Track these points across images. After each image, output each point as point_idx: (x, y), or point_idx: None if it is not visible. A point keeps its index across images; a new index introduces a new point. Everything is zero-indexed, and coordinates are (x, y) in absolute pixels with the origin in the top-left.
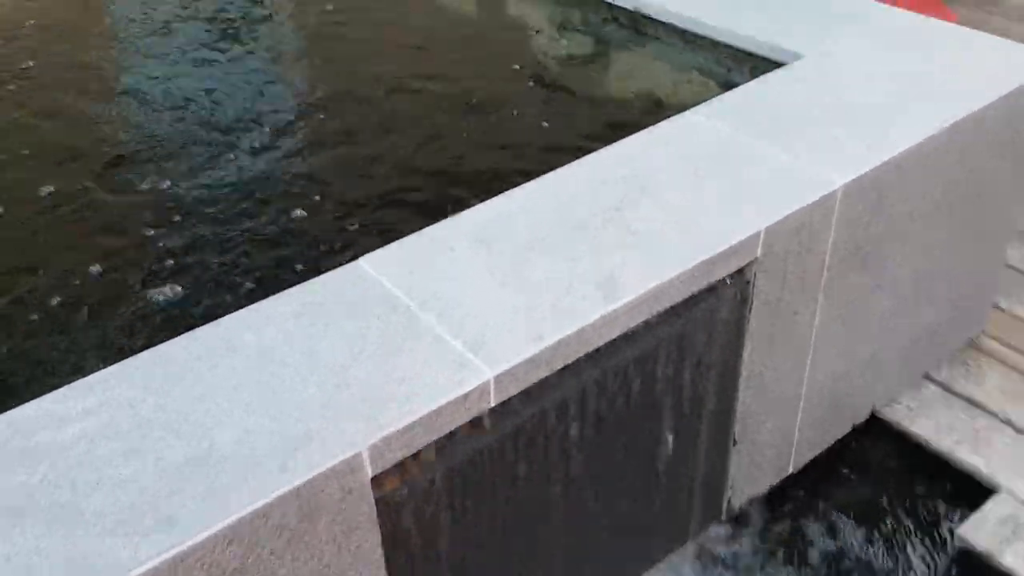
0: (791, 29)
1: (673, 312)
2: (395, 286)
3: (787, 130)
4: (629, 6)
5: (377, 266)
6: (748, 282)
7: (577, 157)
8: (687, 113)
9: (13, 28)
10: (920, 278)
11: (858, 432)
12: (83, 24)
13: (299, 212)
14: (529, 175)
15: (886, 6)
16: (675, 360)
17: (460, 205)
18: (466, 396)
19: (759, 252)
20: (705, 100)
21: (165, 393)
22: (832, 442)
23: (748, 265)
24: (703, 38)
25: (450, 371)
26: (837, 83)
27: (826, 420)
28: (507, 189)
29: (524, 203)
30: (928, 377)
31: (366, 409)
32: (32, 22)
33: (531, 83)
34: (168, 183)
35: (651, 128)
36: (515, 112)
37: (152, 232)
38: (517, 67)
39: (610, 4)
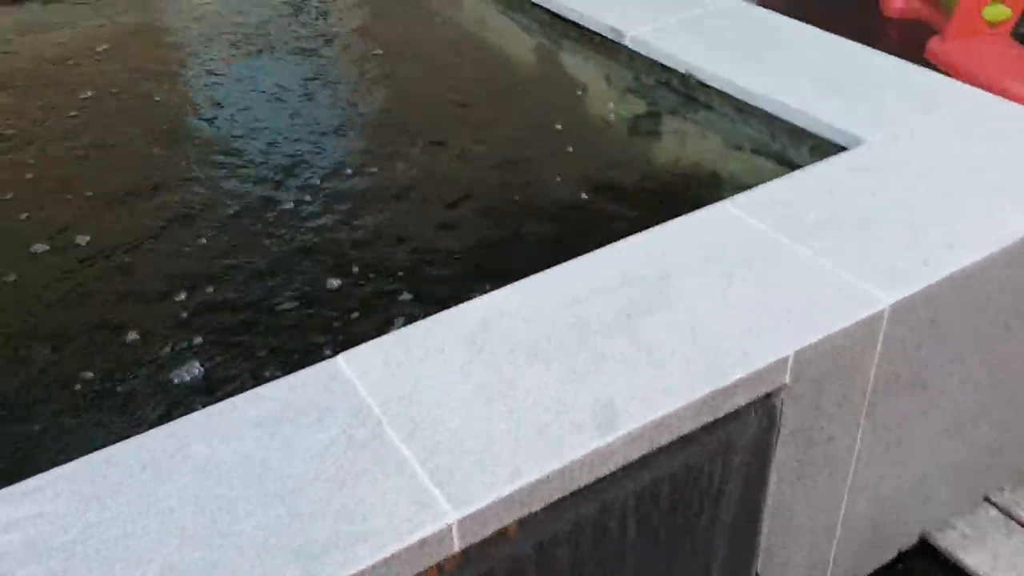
0: (855, 107)
1: (683, 441)
2: (370, 393)
3: (835, 232)
4: (681, 69)
5: (355, 365)
6: (775, 407)
7: (611, 236)
8: (725, 203)
9: (83, 53)
10: (982, 397)
11: (904, 557)
12: (152, 54)
13: (334, 282)
14: (559, 253)
15: (967, 86)
16: (685, 493)
17: (466, 290)
18: (423, 542)
19: (787, 378)
20: (757, 180)
21: (101, 508)
22: (873, 570)
23: (775, 391)
24: (758, 110)
25: (409, 509)
26: (899, 176)
27: (866, 547)
28: (531, 270)
29: (528, 300)
30: (988, 499)
31: (306, 553)
32: (104, 47)
33: (570, 148)
34: (205, 239)
35: (682, 219)
36: (558, 179)
37: (184, 296)
38: (559, 127)
39: (663, 65)
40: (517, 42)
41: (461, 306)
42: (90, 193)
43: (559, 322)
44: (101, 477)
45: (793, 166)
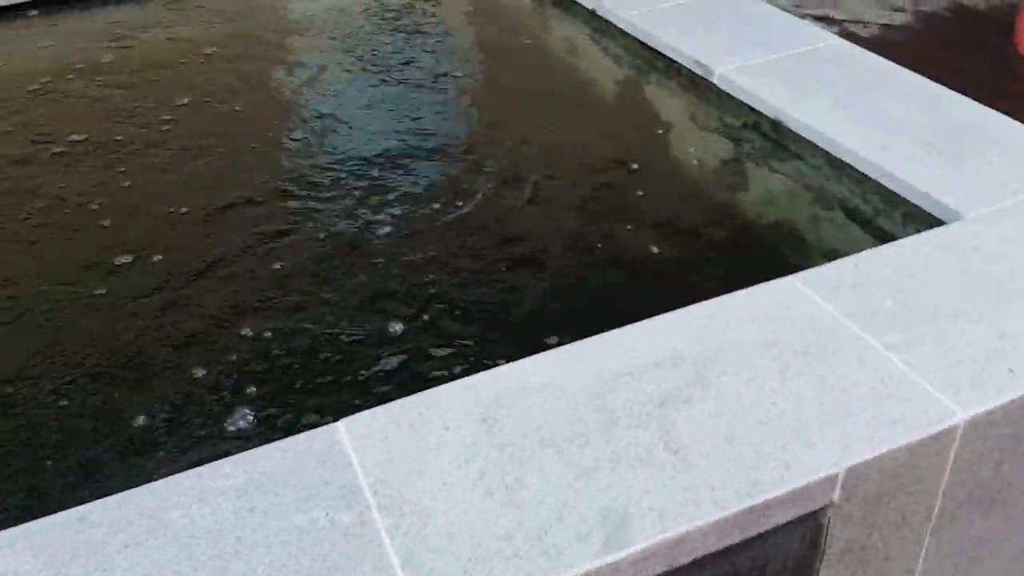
0: (957, 175)
1: (708, 559)
2: (363, 470)
3: (912, 324)
4: (770, 114)
5: (355, 434)
6: (820, 525)
7: (667, 300)
8: (793, 278)
9: (190, 56)
10: None
11: None
12: (259, 61)
13: (397, 326)
14: (607, 314)
15: None
16: None
17: (494, 349)
18: None
19: (836, 496)
20: (836, 249)
21: (65, 574)
22: None
23: (821, 508)
24: (850, 168)
25: None
26: (996, 262)
27: None
28: (572, 331)
29: (553, 375)
30: None
31: None
32: (211, 50)
33: (640, 192)
34: (280, 264)
35: (741, 292)
36: (628, 227)
37: (250, 332)
38: (635, 167)
39: (750, 107)
40: (601, 72)
41: (478, 376)
42: (176, 209)
43: (583, 405)
44: (72, 537)
45: (881, 237)
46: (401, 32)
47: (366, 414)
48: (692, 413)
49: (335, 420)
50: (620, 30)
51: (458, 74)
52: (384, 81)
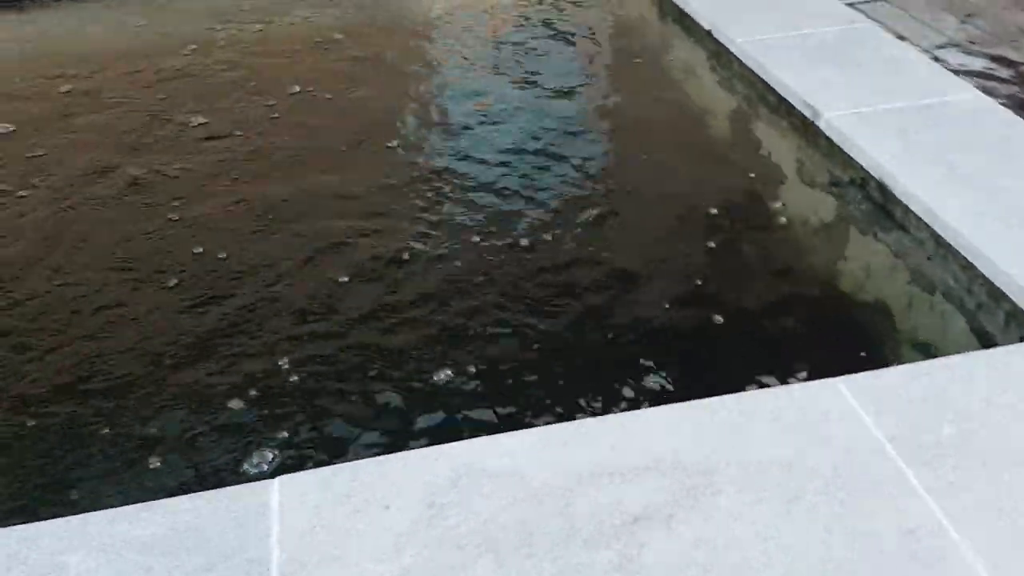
0: None
1: None
2: (281, 542)
3: (967, 462)
4: (875, 174)
5: (287, 495)
6: None
7: (732, 381)
8: (837, 382)
9: (320, 41)
10: None
11: None
12: (380, 54)
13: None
14: (626, 388)
15: None
16: None
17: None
18: None
19: None
20: (916, 348)
21: None
22: None
23: None
24: (956, 252)
25: None
26: None
27: None
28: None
29: (523, 460)
30: None
31: None
32: (338, 35)
33: (712, 244)
34: (347, 275)
35: (772, 391)
36: (698, 281)
37: (290, 362)
38: (714, 211)
39: (856, 162)
40: (703, 101)
41: (439, 448)
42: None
43: (546, 504)
44: None
45: (972, 339)
46: (527, 37)
47: (306, 475)
48: (668, 538)
49: None
50: (734, 56)
51: (559, 86)
52: (495, 82)
